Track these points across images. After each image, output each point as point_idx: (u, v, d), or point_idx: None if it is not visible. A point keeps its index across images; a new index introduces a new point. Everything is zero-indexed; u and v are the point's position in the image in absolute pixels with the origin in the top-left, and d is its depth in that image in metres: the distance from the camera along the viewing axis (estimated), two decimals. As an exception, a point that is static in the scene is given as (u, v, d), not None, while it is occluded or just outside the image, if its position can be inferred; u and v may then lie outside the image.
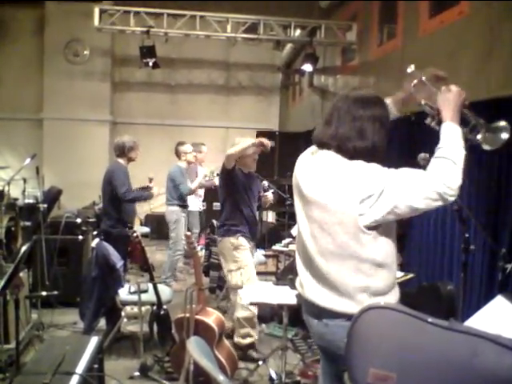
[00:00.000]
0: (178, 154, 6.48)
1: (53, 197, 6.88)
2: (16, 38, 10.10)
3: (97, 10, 7.51)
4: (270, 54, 10.39)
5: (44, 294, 4.66)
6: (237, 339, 4.22)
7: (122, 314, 4.31)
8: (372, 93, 2.15)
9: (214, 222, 6.14)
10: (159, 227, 9.55)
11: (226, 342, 3.87)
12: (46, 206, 5.32)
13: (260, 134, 8.75)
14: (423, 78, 2.12)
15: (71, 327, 4.83)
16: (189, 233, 4.10)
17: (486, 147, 2.02)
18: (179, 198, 6.34)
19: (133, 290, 4.23)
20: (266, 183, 4.64)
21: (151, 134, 10.35)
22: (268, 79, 11.39)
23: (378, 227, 1.94)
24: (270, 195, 4.59)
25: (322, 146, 2.11)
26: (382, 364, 1.56)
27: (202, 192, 7.34)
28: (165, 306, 4.18)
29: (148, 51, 7.84)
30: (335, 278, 2.01)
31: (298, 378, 3.88)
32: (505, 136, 1.98)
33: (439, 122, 2.03)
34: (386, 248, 1.99)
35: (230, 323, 4.38)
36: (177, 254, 6.38)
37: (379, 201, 1.89)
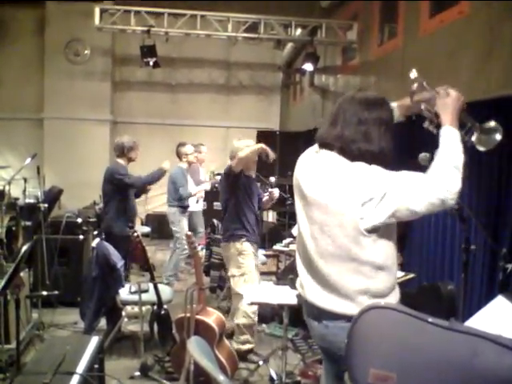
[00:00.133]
0: (179, 155, 6.48)
1: (53, 196, 6.88)
2: (16, 38, 10.09)
3: (97, 10, 7.51)
4: (271, 54, 10.38)
5: (44, 293, 4.67)
6: (236, 346, 4.19)
7: (123, 313, 4.32)
8: (377, 94, 2.14)
9: (215, 221, 6.15)
10: (160, 227, 9.56)
11: (227, 341, 3.87)
12: (46, 205, 5.32)
13: (261, 133, 8.78)
14: (424, 83, 2.11)
15: (72, 327, 4.83)
16: (189, 233, 4.10)
17: (480, 148, 2.06)
18: (179, 200, 6.34)
19: (133, 289, 4.23)
20: (272, 179, 4.66)
21: (152, 134, 10.35)
22: (269, 78, 11.38)
23: (378, 230, 1.94)
24: (276, 191, 4.61)
25: (325, 146, 2.11)
26: (382, 364, 1.56)
27: (202, 192, 7.33)
28: (165, 306, 4.18)
29: (148, 50, 7.84)
30: (335, 280, 2.00)
31: (299, 378, 3.88)
32: (498, 137, 2.02)
33: (437, 126, 2.02)
34: (386, 250, 1.99)
35: (230, 323, 4.38)
36: (184, 252, 6.40)
37: (380, 204, 1.89)
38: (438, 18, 4.81)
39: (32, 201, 6.19)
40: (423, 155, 2.75)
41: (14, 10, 9.92)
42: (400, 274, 3.71)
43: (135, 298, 4.07)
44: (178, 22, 7.60)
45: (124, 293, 4.29)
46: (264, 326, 4.91)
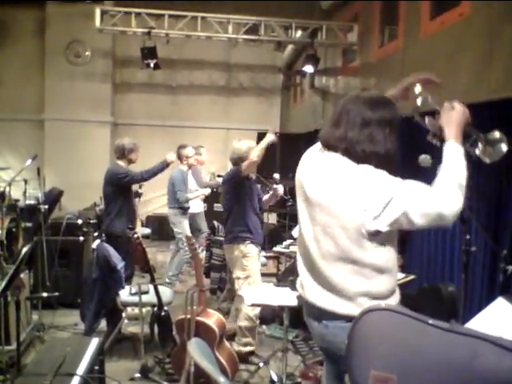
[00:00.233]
0: (179, 157, 6.48)
1: (54, 198, 6.88)
2: (17, 39, 10.10)
3: (98, 11, 7.51)
4: (271, 55, 10.39)
5: (45, 295, 4.67)
6: (237, 348, 4.18)
7: (123, 315, 4.31)
8: (382, 94, 2.13)
9: (215, 223, 6.15)
10: (160, 228, 9.57)
11: (227, 343, 3.87)
12: (46, 207, 5.32)
13: (261, 135, 8.77)
14: (429, 98, 2.10)
15: (72, 328, 4.83)
16: (190, 235, 4.11)
17: (486, 160, 2.04)
18: (179, 202, 6.34)
19: (134, 291, 4.23)
20: (276, 176, 4.64)
21: (152, 135, 10.35)
22: (269, 80, 11.39)
23: (380, 234, 1.94)
24: (280, 188, 4.58)
25: (329, 147, 2.10)
26: (382, 366, 1.56)
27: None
28: (166, 308, 4.18)
29: (149, 52, 7.85)
30: (336, 281, 2.00)
31: (299, 380, 3.88)
32: (504, 148, 2.00)
33: (441, 139, 2.00)
34: (387, 254, 1.98)
35: (231, 324, 4.37)
36: (187, 253, 6.40)
37: (384, 212, 1.89)
38: (439, 20, 4.82)
39: (32, 202, 6.18)
40: (423, 157, 2.75)
41: (15, 11, 9.94)
42: (400, 275, 3.71)
43: (135, 299, 4.07)
44: (179, 24, 7.61)
45: (124, 294, 4.29)
46: (264, 327, 4.91)
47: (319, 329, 2.10)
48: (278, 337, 4.65)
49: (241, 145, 4.41)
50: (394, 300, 2.03)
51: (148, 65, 8.07)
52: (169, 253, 6.75)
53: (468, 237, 3.13)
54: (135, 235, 4.19)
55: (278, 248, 5.70)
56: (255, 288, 4.05)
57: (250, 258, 4.27)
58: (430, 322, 1.53)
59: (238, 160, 4.37)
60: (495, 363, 1.43)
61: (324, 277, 2.04)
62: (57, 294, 4.64)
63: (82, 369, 2.62)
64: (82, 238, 5.59)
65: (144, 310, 4.13)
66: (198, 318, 3.62)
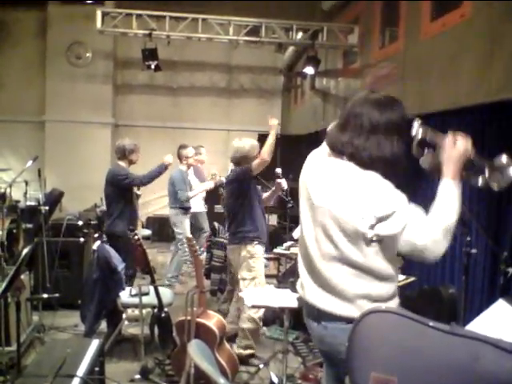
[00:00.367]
0: (179, 157, 6.50)
1: (54, 199, 6.89)
2: (18, 41, 10.13)
3: (99, 13, 7.53)
4: (272, 57, 10.40)
5: (45, 296, 4.67)
6: (238, 350, 4.14)
7: (123, 316, 4.31)
8: (389, 95, 2.08)
9: (216, 224, 6.14)
10: (160, 229, 9.58)
11: (227, 345, 3.86)
12: (47, 208, 5.32)
13: (262, 136, 8.77)
14: (429, 131, 1.99)
15: (72, 329, 4.82)
16: (190, 236, 4.10)
17: (494, 187, 1.89)
18: (180, 202, 6.35)
19: (134, 292, 4.23)
20: (278, 170, 4.57)
21: (153, 137, 10.36)
22: (270, 82, 11.40)
23: (379, 241, 1.93)
24: (283, 182, 4.52)
25: (335, 151, 2.08)
26: (383, 368, 1.56)
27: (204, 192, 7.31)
28: (166, 309, 4.17)
29: (150, 54, 7.86)
30: (336, 283, 2.00)
31: (299, 382, 3.87)
32: None
33: (438, 176, 1.96)
34: (388, 260, 1.97)
35: (231, 325, 4.36)
36: (185, 254, 6.40)
37: (377, 225, 1.89)
38: (440, 22, 4.82)
39: (33, 203, 6.19)
40: (424, 158, 2.74)
41: (16, 13, 9.97)
42: (401, 277, 3.70)
43: (136, 300, 4.07)
44: (180, 26, 7.62)
45: (124, 295, 4.29)
46: (265, 329, 4.90)
47: (318, 330, 2.10)
48: (279, 338, 4.65)
49: (243, 143, 4.34)
50: (394, 303, 2.03)
51: (149, 66, 8.08)
52: (169, 254, 6.76)
53: (468, 239, 3.14)
54: (135, 236, 4.18)
55: (278, 249, 5.69)
56: (255, 289, 4.05)
57: (256, 259, 4.23)
58: (431, 324, 1.53)
59: (241, 159, 4.31)
60: (496, 365, 1.42)
61: (324, 278, 2.04)
62: (57, 295, 4.63)
63: (82, 370, 2.62)
64: (82, 239, 5.58)
65: (144, 311, 4.13)
66: (199, 320, 3.62)
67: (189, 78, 11.01)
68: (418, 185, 4.34)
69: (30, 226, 5.88)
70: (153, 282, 4.20)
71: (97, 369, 2.85)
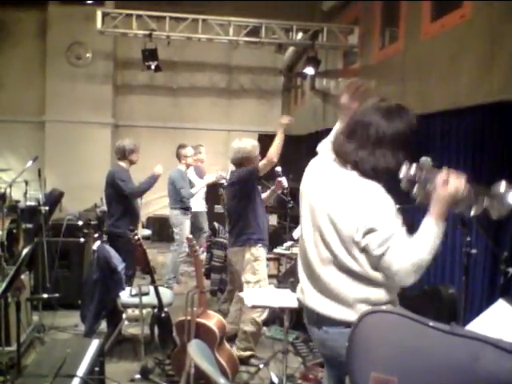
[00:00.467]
0: (178, 157, 6.49)
1: (54, 199, 6.89)
2: (18, 41, 10.12)
3: (99, 13, 7.54)
4: (272, 57, 10.39)
5: (45, 296, 4.67)
6: (238, 352, 4.11)
7: (123, 316, 4.31)
8: (398, 104, 2.06)
9: (216, 224, 6.14)
10: (161, 229, 9.57)
11: (227, 345, 3.86)
12: (47, 208, 5.32)
13: (262, 136, 8.78)
14: (424, 171, 1.91)
15: (72, 330, 4.82)
16: (190, 236, 4.10)
17: (493, 216, 1.82)
18: (181, 201, 6.34)
19: (134, 292, 4.23)
20: (278, 169, 4.54)
21: (153, 137, 10.36)
22: (270, 82, 11.40)
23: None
24: (284, 180, 4.48)
25: (338, 157, 2.08)
26: (383, 368, 1.56)
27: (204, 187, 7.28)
28: (166, 309, 4.18)
29: (150, 54, 7.86)
30: (335, 288, 2.01)
31: (299, 382, 3.87)
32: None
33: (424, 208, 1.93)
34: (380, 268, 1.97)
35: (231, 326, 4.36)
36: (180, 256, 6.40)
37: (371, 236, 1.90)
38: (440, 22, 4.82)
39: (33, 203, 6.19)
40: (424, 159, 2.74)
41: (17, 13, 9.96)
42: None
43: (136, 300, 4.07)
44: (180, 26, 7.63)
45: (125, 295, 4.29)
46: (265, 329, 4.90)
47: (319, 334, 2.10)
48: (279, 338, 4.64)
49: (244, 143, 4.29)
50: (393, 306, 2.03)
51: (149, 67, 8.08)
52: (169, 254, 6.75)
53: (468, 239, 3.13)
54: (136, 236, 4.19)
55: (278, 249, 5.69)
56: (255, 290, 4.05)
57: (260, 262, 4.20)
58: (431, 324, 1.53)
59: (243, 160, 4.25)
60: (496, 365, 1.42)
61: (323, 283, 2.05)
62: (57, 295, 4.63)
63: (82, 370, 2.62)
64: (82, 240, 5.58)
65: (144, 311, 4.13)
66: (199, 320, 3.62)
67: (189, 79, 11.00)
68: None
69: (30, 226, 5.88)
70: (153, 281, 4.20)
71: (97, 369, 2.85)
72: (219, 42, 8.15)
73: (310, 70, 8.01)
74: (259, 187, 4.54)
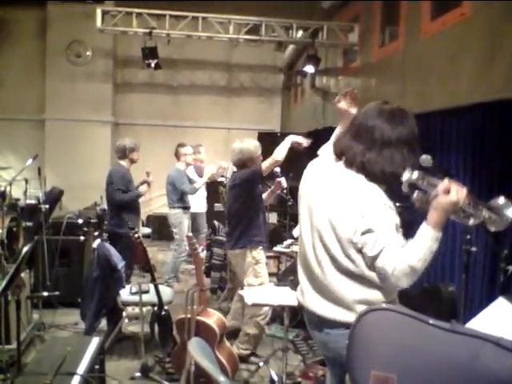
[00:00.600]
0: (177, 156, 6.48)
1: (54, 197, 6.88)
2: (18, 40, 10.11)
3: (99, 12, 7.53)
4: (272, 56, 10.39)
5: (45, 294, 4.68)
6: (238, 350, 4.11)
7: (123, 314, 4.31)
8: (400, 108, 2.06)
9: (216, 223, 6.14)
10: (161, 228, 9.57)
11: (227, 343, 3.87)
12: (47, 206, 5.32)
13: (261, 135, 8.79)
14: (425, 180, 1.91)
15: (72, 328, 4.83)
16: (190, 234, 4.10)
17: (491, 229, 1.86)
18: (180, 201, 6.33)
19: (134, 290, 4.23)
20: (277, 169, 4.52)
21: (153, 135, 10.37)
22: (270, 80, 11.40)
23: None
24: (283, 181, 4.44)
25: (341, 157, 2.08)
26: (383, 366, 1.56)
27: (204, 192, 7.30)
28: (166, 307, 4.18)
29: (150, 52, 7.85)
30: (334, 289, 2.01)
31: (299, 380, 3.88)
32: (511, 214, 1.82)
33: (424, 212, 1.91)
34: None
35: (231, 323, 4.36)
36: (181, 255, 6.40)
37: (367, 237, 1.90)
38: (440, 21, 4.82)
39: (33, 202, 6.19)
40: (424, 157, 2.74)
41: (16, 12, 9.95)
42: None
43: (136, 298, 4.07)
44: (180, 24, 7.62)
45: (125, 294, 4.29)
46: (265, 326, 4.90)
47: (321, 336, 2.11)
48: (279, 336, 4.65)
49: (247, 144, 4.24)
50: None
51: (149, 65, 8.08)
52: (169, 252, 6.76)
53: (468, 237, 3.14)
54: (136, 235, 4.19)
55: (278, 248, 5.69)
56: (255, 288, 4.05)
57: (262, 264, 4.19)
58: (431, 321, 1.53)
59: (246, 160, 4.19)
60: (496, 363, 1.42)
61: (323, 285, 2.05)
62: (57, 293, 4.64)
63: (82, 368, 2.62)
64: (82, 238, 5.59)
65: (144, 309, 4.13)
66: (199, 318, 3.62)
67: (189, 77, 11.00)
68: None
69: (30, 224, 5.88)
70: (153, 280, 4.20)
71: (97, 367, 2.86)
72: (219, 40, 8.14)
73: (309, 68, 8.00)
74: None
